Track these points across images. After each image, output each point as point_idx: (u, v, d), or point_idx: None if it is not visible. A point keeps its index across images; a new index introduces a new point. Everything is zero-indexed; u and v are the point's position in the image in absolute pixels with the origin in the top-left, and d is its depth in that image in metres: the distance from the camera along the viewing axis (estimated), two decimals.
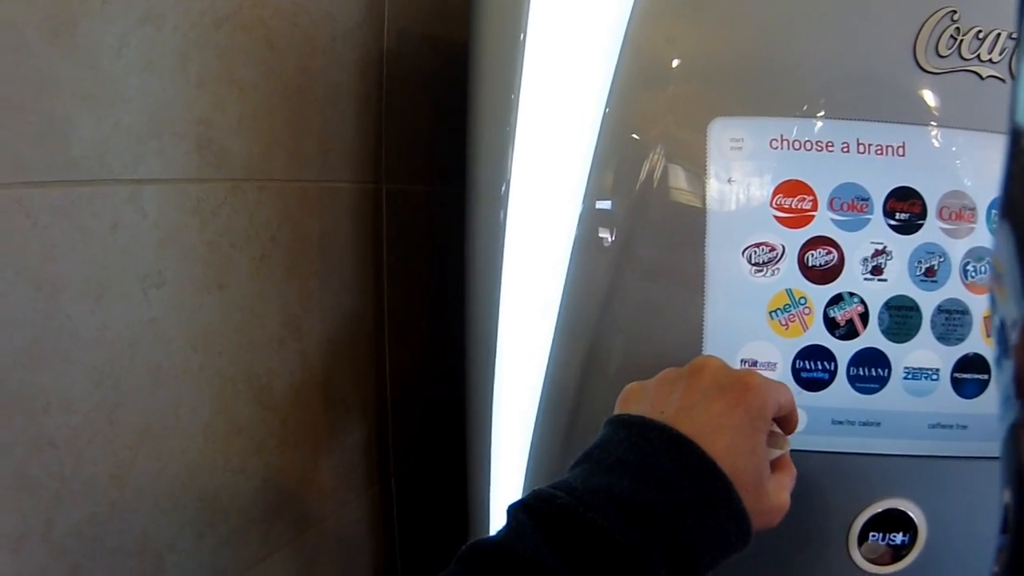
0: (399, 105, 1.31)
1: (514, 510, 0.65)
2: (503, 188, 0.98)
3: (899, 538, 0.91)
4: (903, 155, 0.87)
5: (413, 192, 1.39)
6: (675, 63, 0.90)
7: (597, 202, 0.91)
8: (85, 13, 0.80)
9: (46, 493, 0.82)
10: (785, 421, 0.77)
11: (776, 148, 0.87)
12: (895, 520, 0.90)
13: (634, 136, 0.90)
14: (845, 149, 0.87)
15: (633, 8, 0.89)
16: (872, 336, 0.88)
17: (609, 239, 0.90)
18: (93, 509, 0.87)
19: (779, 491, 0.72)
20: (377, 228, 1.30)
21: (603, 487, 0.64)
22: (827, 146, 0.87)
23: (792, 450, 0.76)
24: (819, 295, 0.88)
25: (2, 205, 0.75)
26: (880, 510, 0.90)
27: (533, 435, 0.98)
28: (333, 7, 1.15)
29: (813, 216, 0.87)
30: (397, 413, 1.39)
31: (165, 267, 0.92)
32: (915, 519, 0.90)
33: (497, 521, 0.66)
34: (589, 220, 0.92)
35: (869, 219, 0.87)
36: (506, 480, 1.03)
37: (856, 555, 0.90)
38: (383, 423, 1.37)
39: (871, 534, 0.90)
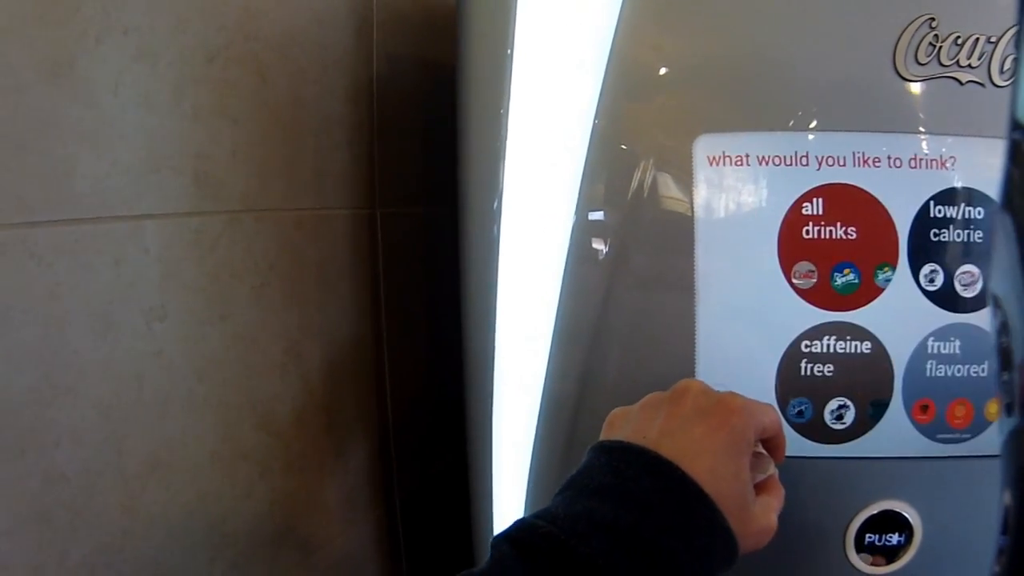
0: (391, 129, 1.32)
1: (497, 541, 0.65)
2: (495, 203, 0.98)
3: (895, 539, 0.91)
4: (899, 166, 0.88)
5: (407, 215, 1.40)
6: (661, 73, 0.91)
7: (590, 213, 0.92)
8: (81, 53, 0.82)
9: (60, 524, 0.83)
10: (771, 443, 0.76)
11: (763, 164, 0.88)
12: (891, 521, 0.91)
13: (623, 147, 0.91)
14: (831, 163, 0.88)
15: (619, 20, 0.89)
16: None
17: (602, 250, 0.91)
18: (106, 539, 0.88)
19: (766, 513, 0.71)
20: (373, 252, 1.31)
21: (584, 513, 0.63)
22: (807, 159, 0.88)
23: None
24: None
25: (7, 246, 0.76)
26: (876, 512, 0.90)
27: (533, 450, 0.98)
28: (323, 37, 1.16)
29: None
30: (399, 434, 1.40)
31: (168, 300, 0.93)
32: (910, 520, 0.91)
33: None
34: (582, 232, 0.92)
35: None
36: (508, 496, 1.03)
37: (853, 557, 0.91)
38: (385, 444, 1.38)
39: (867, 536, 0.91)
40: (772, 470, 0.76)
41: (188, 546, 0.99)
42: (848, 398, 0.89)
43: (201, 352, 0.99)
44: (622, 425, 0.74)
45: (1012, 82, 0.44)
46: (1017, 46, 0.44)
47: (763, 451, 0.75)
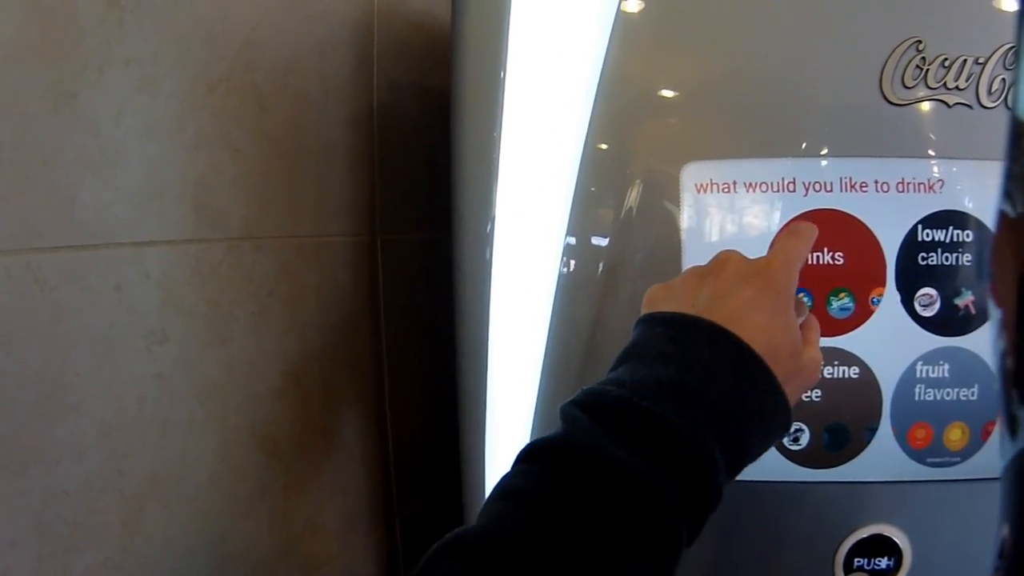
0: (392, 156, 1.34)
1: (567, 408, 0.65)
2: (488, 227, 0.99)
3: (884, 563, 0.91)
4: (886, 191, 0.89)
5: (408, 241, 1.41)
6: (650, 100, 0.93)
7: (580, 237, 0.93)
8: (84, 84, 0.84)
9: (61, 539, 0.85)
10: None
11: (750, 191, 0.89)
12: (880, 545, 0.91)
13: (613, 173, 0.92)
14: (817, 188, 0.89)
15: (609, 47, 0.91)
16: None
17: (593, 274, 0.93)
18: (106, 554, 0.90)
19: (810, 348, 0.73)
20: (373, 278, 1.32)
21: (651, 378, 0.64)
22: (794, 186, 0.89)
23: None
24: None
25: (13, 270, 0.78)
26: (865, 536, 0.91)
27: None
28: (323, 65, 1.18)
29: None
30: (399, 456, 1.41)
31: (168, 325, 0.95)
32: (899, 544, 0.91)
33: None
34: (572, 255, 0.93)
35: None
36: None
37: None
38: (385, 466, 1.39)
39: (856, 560, 0.91)
40: (807, 312, 0.78)
41: (187, 564, 1.00)
42: (837, 422, 0.90)
43: (201, 375, 1.00)
44: (666, 298, 0.74)
45: (1012, 84, 0.45)
46: (1017, 47, 0.44)
47: (799, 298, 0.76)
